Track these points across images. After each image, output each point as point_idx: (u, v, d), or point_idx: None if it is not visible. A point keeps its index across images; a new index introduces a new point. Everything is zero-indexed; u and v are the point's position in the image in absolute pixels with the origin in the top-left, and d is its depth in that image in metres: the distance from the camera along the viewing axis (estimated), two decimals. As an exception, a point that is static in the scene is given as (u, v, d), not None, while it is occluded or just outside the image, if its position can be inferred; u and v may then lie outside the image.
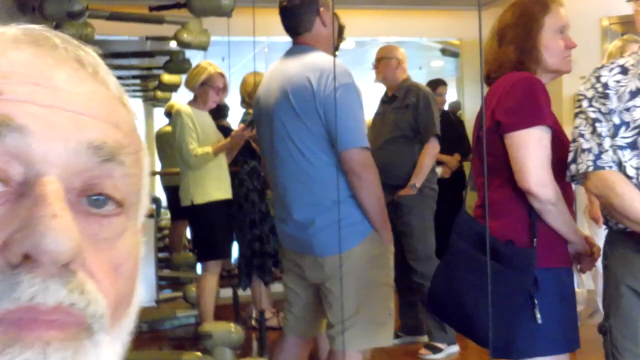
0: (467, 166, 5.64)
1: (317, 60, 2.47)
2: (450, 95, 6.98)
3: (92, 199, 0.52)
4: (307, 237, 2.50)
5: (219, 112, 4.85)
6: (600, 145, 1.94)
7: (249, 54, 6.16)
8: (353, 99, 2.41)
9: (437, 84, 5.85)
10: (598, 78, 1.99)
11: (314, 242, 2.49)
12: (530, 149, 2.08)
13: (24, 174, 0.49)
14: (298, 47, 2.58)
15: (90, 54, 0.58)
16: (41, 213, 0.47)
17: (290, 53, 2.60)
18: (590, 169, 1.94)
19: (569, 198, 2.16)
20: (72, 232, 0.47)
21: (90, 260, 0.51)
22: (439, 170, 5.36)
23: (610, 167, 1.94)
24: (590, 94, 2.00)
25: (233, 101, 5.14)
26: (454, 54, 8.04)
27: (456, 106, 7.46)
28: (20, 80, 0.51)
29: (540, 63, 2.23)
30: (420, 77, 7.42)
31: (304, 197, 2.50)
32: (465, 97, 7.56)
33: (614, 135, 1.94)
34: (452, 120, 5.98)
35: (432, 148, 4.18)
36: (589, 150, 1.95)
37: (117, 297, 0.53)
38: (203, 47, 4.40)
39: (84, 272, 0.50)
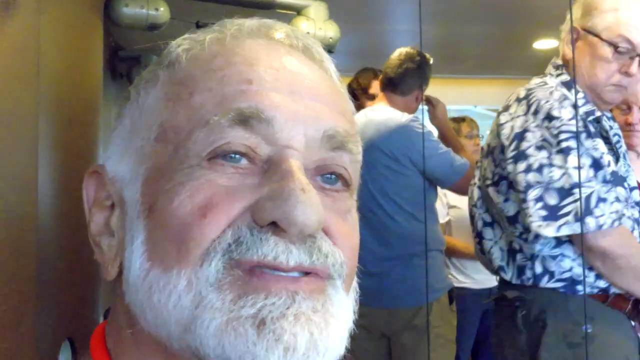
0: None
1: (390, 115, 2.71)
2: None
3: (325, 177, 0.59)
4: (382, 289, 2.60)
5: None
6: (609, 191, 1.73)
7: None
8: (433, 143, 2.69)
9: None
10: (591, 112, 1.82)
11: (390, 294, 2.59)
12: None
13: (268, 153, 0.56)
14: (384, 105, 2.82)
15: (317, 44, 0.65)
16: (291, 186, 0.53)
17: (377, 109, 2.82)
18: (617, 223, 1.71)
19: None
20: (318, 205, 0.54)
21: (330, 223, 0.57)
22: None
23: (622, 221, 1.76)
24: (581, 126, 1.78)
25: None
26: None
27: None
28: (263, 67, 0.58)
29: None
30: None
31: (381, 250, 2.62)
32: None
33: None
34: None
35: None
36: (605, 199, 1.72)
37: (353, 258, 0.59)
38: (329, 46, 3.12)
39: (323, 234, 0.56)
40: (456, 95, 6.60)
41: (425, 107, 3.09)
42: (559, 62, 1.93)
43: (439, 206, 4.06)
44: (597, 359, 1.74)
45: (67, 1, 1.47)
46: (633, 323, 1.85)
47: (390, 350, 2.68)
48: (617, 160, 1.87)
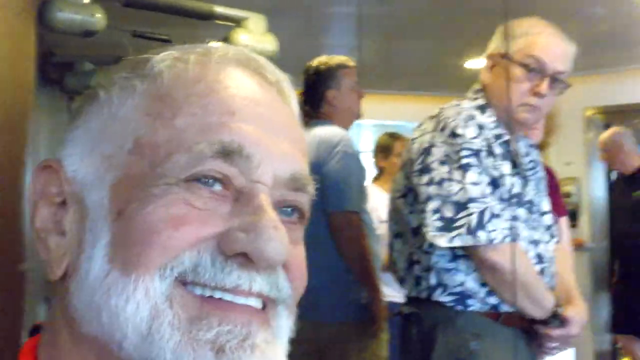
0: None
1: (317, 132, 2.70)
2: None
3: (282, 210, 0.63)
4: (315, 301, 2.60)
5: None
6: (505, 209, 1.81)
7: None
8: (348, 165, 2.62)
9: None
10: (481, 128, 1.87)
11: (321, 307, 2.59)
12: None
13: (241, 184, 0.59)
14: (311, 122, 2.84)
15: (281, 75, 0.68)
16: (264, 222, 0.57)
17: (307, 128, 2.83)
18: (507, 239, 1.78)
19: None
20: (287, 243, 0.58)
21: (288, 255, 0.60)
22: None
23: (515, 239, 1.82)
24: (480, 145, 1.84)
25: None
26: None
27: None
28: (243, 99, 0.61)
29: None
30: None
31: (316, 263, 2.62)
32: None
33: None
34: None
35: None
36: (499, 215, 1.79)
37: (303, 285, 0.64)
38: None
39: (280, 267, 0.60)
40: (392, 111, 6.70)
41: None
42: (478, 87, 2.01)
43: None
44: None
45: (-2, 4, 1.43)
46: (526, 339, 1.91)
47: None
48: (525, 184, 1.95)
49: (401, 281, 2.00)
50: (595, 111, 6.08)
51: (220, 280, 0.56)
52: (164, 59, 0.64)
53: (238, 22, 3.16)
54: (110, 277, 0.57)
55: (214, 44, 0.67)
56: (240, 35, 3.10)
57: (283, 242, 0.57)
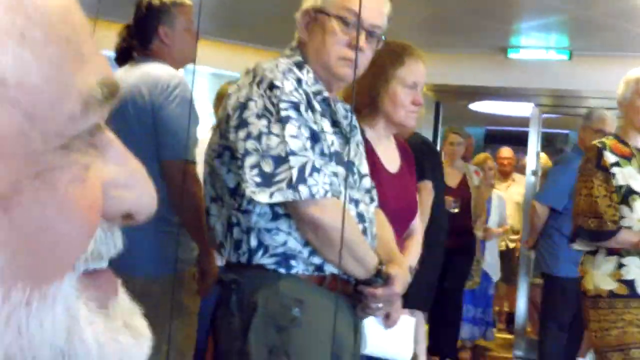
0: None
1: (151, 70, 2.51)
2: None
3: None
4: (125, 254, 2.42)
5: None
6: (326, 165, 1.77)
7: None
8: (186, 111, 2.44)
9: None
10: (299, 82, 1.81)
11: (131, 260, 2.41)
12: None
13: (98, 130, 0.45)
14: (139, 58, 2.64)
15: None
16: (140, 172, 0.46)
17: (132, 64, 2.62)
18: (329, 194, 1.73)
19: None
20: None
21: None
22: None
23: (336, 195, 1.77)
24: (299, 98, 1.78)
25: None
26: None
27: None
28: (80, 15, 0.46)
29: (384, 114, 2.33)
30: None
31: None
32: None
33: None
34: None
35: None
36: (320, 170, 1.73)
37: None
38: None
39: None
40: (231, 61, 6.51)
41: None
42: (294, 44, 1.96)
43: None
44: (304, 344, 1.74)
45: None
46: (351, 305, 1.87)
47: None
48: (344, 144, 1.91)
49: (219, 247, 1.87)
50: (428, 88, 6.31)
51: (113, 252, 0.45)
52: None
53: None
54: (14, 300, 0.38)
55: None
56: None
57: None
